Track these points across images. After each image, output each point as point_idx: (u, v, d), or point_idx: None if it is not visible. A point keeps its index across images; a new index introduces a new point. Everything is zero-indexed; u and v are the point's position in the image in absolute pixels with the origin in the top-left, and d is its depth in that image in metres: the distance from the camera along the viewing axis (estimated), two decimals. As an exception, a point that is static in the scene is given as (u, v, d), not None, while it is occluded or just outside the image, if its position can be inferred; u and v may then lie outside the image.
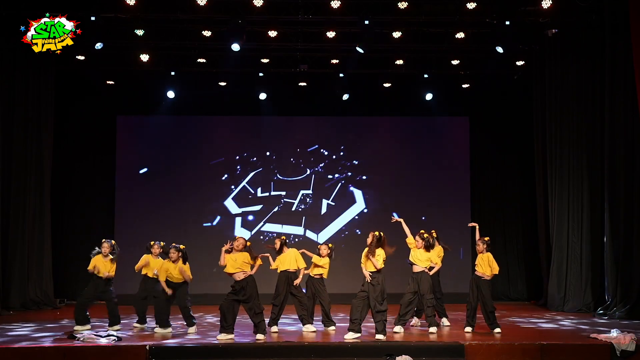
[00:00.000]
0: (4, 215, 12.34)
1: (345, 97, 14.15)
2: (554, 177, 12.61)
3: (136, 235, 14.32)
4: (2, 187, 12.25)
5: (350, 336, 8.54)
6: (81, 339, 8.34)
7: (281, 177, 14.80)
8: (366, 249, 8.90)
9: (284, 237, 9.92)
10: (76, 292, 14.33)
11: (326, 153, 14.87)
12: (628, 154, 11.15)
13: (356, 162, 14.85)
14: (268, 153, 14.81)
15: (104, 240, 9.89)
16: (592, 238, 12.08)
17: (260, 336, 8.51)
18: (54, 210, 13.54)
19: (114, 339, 8.33)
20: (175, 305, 9.55)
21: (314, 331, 9.39)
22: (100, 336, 8.42)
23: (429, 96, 14.12)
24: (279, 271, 9.66)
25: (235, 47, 11.88)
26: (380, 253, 8.79)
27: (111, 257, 9.69)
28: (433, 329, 9.21)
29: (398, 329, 9.17)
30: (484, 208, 14.94)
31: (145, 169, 14.62)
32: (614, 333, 8.30)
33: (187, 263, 9.52)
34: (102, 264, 9.64)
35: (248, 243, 8.81)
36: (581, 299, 12.02)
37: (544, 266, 13.35)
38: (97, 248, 9.77)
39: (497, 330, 9.20)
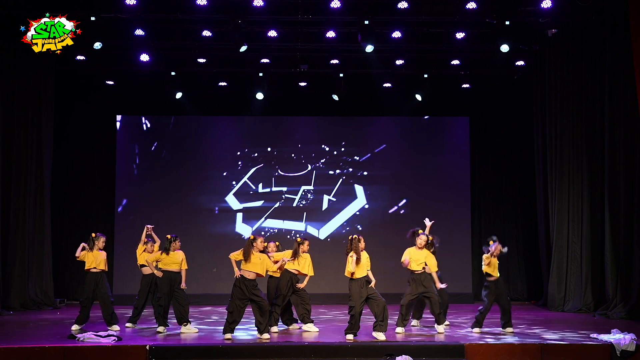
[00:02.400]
0: (4, 215, 12.35)
1: (336, 97, 14.15)
2: (554, 177, 12.61)
3: (136, 235, 14.29)
4: (2, 187, 12.27)
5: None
6: (81, 339, 8.35)
7: (282, 173, 14.80)
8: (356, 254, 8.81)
9: (304, 240, 9.90)
10: (76, 292, 14.36)
11: (327, 149, 14.87)
12: (628, 154, 11.15)
13: (357, 158, 14.85)
14: (269, 149, 14.81)
15: (98, 234, 9.92)
16: (592, 238, 12.08)
17: (266, 335, 8.57)
18: (53, 211, 13.54)
19: (114, 339, 8.33)
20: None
21: (316, 330, 9.42)
22: (100, 336, 8.42)
23: (418, 97, 14.10)
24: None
25: (243, 47, 11.89)
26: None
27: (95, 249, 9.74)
28: (441, 328, 9.23)
29: (400, 329, 9.16)
30: (484, 208, 14.94)
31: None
32: (614, 333, 8.30)
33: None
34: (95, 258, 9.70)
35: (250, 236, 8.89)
36: (581, 299, 12.02)
37: (544, 266, 13.35)
38: (85, 246, 9.75)
39: (510, 329, 9.21)
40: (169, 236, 9.54)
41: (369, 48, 11.80)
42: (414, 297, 9.29)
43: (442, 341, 8.52)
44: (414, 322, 10.02)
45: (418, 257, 9.30)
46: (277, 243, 9.96)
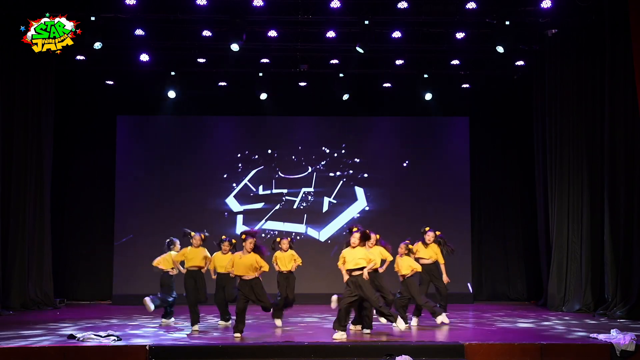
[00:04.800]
0: (4, 215, 12.34)
1: (346, 97, 14.17)
2: (554, 177, 12.61)
3: (136, 235, 14.34)
4: (2, 187, 12.26)
5: None
6: (81, 339, 8.35)
7: (283, 175, 14.80)
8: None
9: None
10: (76, 292, 14.39)
11: (327, 151, 14.87)
12: (628, 154, 11.15)
13: (357, 160, 14.85)
14: (269, 151, 14.81)
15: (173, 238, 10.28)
16: (592, 238, 12.07)
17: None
18: (54, 211, 13.54)
19: (114, 339, 8.33)
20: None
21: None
22: (100, 336, 8.42)
23: (428, 96, 14.14)
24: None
25: (235, 47, 11.88)
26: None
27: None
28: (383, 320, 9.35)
29: (340, 334, 8.97)
30: (484, 208, 14.95)
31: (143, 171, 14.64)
32: (614, 333, 8.30)
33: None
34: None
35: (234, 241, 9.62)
36: (581, 299, 12.01)
37: (544, 266, 13.35)
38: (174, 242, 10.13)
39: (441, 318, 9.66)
40: (224, 237, 10.02)
41: (359, 49, 11.84)
42: (352, 300, 8.67)
43: (442, 341, 8.52)
44: (414, 320, 10.06)
45: (353, 257, 8.77)
46: (289, 239, 10.19)
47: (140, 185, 14.62)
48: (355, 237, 8.70)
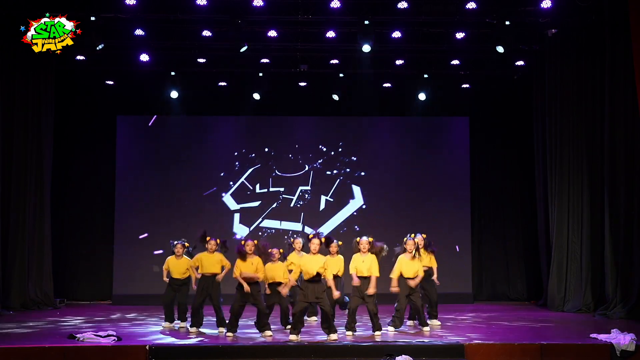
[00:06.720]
0: (4, 216, 12.34)
1: (336, 97, 14.18)
2: (554, 177, 12.61)
3: (136, 235, 14.33)
4: (2, 187, 12.26)
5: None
6: (81, 339, 8.35)
7: (280, 174, 14.79)
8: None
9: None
10: (76, 292, 14.38)
11: (325, 149, 14.86)
12: (628, 154, 11.15)
13: (355, 159, 14.84)
14: (267, 149, 14.80)
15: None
16: (592, 238, 12.07)
17: (268, 333, 8.91)
18: (54, 210, 13.54)
19: (114, 339, 8.34)
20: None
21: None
22: (100, 336, 8.42)
23: (422, 96, 14.13)
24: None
25: (244, 48, 11.90)
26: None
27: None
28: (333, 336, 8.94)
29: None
30: (484, 208, 14.94)
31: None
32: (614, 333, 8.30)
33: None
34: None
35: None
36: (581, 299, 12.02)
37: (544, 266, 13.35)
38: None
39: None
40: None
41: (366, 48, 11.81)
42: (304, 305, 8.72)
43: (442, 341, 8.52)
44: (410, 322, 10.07)
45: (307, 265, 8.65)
46: (281, 250, 9.83)
47: (140, 185, 14.60)
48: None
